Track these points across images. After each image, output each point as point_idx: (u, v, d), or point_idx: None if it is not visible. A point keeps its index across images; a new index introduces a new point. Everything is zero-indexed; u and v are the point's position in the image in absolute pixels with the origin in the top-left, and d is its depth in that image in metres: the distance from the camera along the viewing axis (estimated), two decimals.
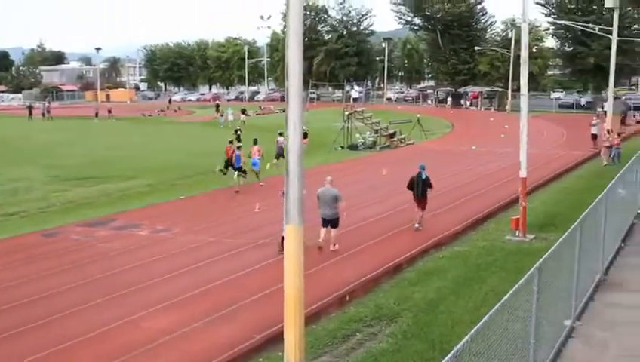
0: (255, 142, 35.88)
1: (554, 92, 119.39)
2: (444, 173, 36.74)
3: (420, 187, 23.99)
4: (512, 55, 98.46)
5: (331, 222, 21.23)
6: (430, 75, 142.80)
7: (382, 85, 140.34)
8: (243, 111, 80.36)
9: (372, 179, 36.22)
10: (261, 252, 21.33)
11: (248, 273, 19.02)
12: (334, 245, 21.31)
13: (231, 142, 36.69)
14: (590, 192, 25.54)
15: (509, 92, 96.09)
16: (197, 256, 20.97)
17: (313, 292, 15.94)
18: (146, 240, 23.47)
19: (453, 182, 34.41)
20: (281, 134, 39.40)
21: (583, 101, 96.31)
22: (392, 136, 54.49)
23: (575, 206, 25.28)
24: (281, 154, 38.54)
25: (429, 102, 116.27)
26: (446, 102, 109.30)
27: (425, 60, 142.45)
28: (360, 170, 40.29)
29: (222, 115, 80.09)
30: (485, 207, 27.86)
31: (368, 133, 54.88)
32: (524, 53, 23.49)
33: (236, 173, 34.14)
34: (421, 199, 24.14)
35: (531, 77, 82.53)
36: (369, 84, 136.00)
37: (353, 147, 52.56)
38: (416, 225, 24.15)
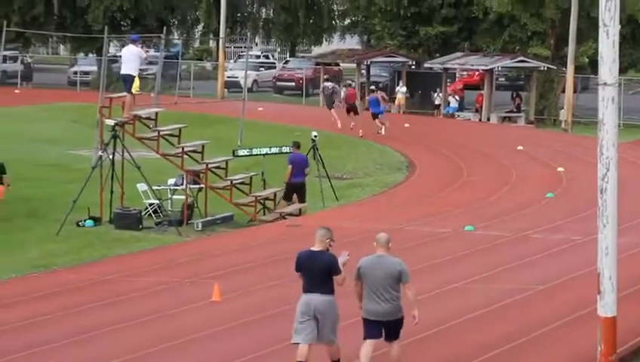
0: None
1: None
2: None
3: None
4: None
5: (387, 328, 10.64)
6: (350, 21, 62.58)
7: (212, 40, 68.14)
8: None
9: None
10: None
11: None
12: None
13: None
14: None
15: (569, 75, 42.75)
16: None
17: None
18: None
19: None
20: (327, 80, 41.84)
21: None
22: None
23: None
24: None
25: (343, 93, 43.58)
26: (393, 99, 47.31)
27: None
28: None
29: None
30: None
31: (173, 181, 23.35)
32: None
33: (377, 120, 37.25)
34: None
35: (635, 29, 45.51)
36: (176, 39, 60.72)
37: (129, 220, 21.29)
38: None
